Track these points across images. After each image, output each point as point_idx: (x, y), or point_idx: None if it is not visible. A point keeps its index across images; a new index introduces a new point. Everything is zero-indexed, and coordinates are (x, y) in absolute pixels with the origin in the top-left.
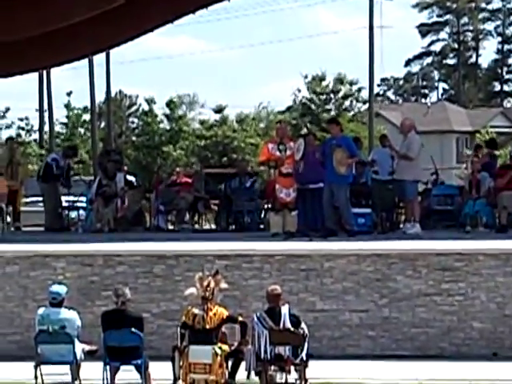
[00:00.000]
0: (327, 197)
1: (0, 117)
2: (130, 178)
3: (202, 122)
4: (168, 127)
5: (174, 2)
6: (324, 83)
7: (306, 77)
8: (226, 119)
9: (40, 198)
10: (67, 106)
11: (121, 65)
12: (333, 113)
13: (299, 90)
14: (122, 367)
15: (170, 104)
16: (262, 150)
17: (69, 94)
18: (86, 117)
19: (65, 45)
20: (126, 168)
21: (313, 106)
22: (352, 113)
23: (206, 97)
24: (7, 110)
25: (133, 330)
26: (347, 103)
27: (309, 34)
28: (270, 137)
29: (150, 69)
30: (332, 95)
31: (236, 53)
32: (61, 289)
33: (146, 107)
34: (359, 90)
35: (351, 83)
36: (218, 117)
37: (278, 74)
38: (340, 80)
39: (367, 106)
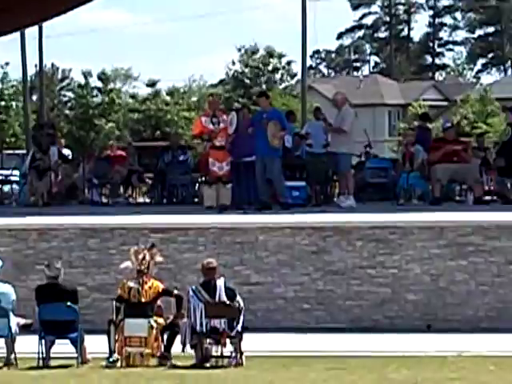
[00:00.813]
0: (260, 170)
1: None
2: (66, 151)
3: (133, 96)
4: (100, 100)
5: None
6: (255, 57)
7: (239, 50)
8: (158, 93)
9: None
10: (3, 79)
11: (53, 38)
12: (264, 86)
13: (234, 63)
14: (58, 341)
15: (102, 77)
16: (195, 124)
17: (4, 65)
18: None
19: None
20: (62, 142)
21: (245, 80)
22: (283, 86)
23: (139, 70)
24: None
25: (68, 303)
26: (278, 76)
27: (241, 7)
28: (202, 110)
29: (84, 43)
30: (263, 68)
31: (169, 26)
32: None
33: (79, 80)
34: (289, 63)
35: (280, 56)
36: (150, 90)
37: (211, 48)
38: (270, 53)
39: (298, 79)
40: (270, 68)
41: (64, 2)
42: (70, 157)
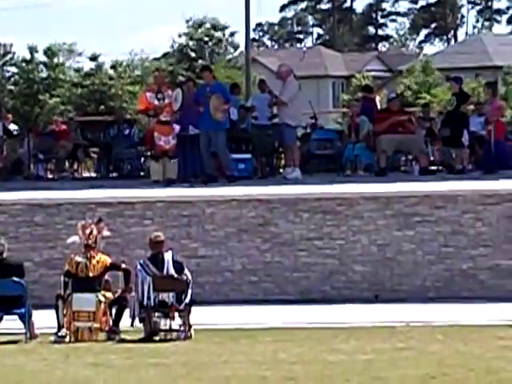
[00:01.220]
0: (204, 143)
1: None
2: (13, 126)
3: (77, 70)
4: (45, 75)
5: None
6: (200, 29)
7: (188, 21)
8: (101, 67)
9: None
10: None
11: None
12: (208, 59)
13: (180, 36)
14: (6, 317)
15: (48, 51)
16: (140, 99)
17: None
18: None
19: None
20: (9, 117)
21: (189, 53)
22: (227, 58)
23: (83, 45)
24: None
25: (14, 279)
26: (222, 49)
27: None
28: (146, 84)
29: (26, 17)
30: (208, 41)
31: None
32: None
33: (24, 55)
34: (232, 34)
35: (224, 28)
36: (93, 65)
37: (154, 21)
38: (214, 26)
39: (242, 51)
40: (214, 41)
41: None
42: (17, 132)
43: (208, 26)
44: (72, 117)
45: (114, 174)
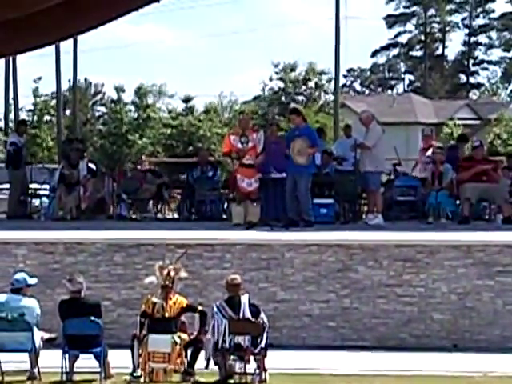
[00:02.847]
0: (290, 187)
1: None
2: (92, 165)
3: (169, 111)
4: (135, 115)
5: None
6: (295, 73)
7: (276, 66)
8: (192, 109)
9: (3, 186)
10: (35, 93)
11: (87, 53)
12: (302, 103)
13: (271, 79)
14: (81, 355)
15: (138, 92)
16: (225, 142)
17: (37, 80)
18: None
19: (31, 31)
20: (85, 155)
21: (282, 96)
22: (320, 103)
23: (174, 86)
24: None
25: (92, 318)
26: (317, 94)
27: (276, 23)
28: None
29: (117, 57)
30: (303, 85)
31: (205, 41)
32: (22, 277)
33: (112, 95)
34: (329, 80)
35: (321, 73)
36: (184, 106)
37: (246, 64)
38: (310, 70)
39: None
40: (307, 85)
41: (98, 16)
42: (96, 171)
43: (300, 70)
44: (161, 158)
45: (196, 216)
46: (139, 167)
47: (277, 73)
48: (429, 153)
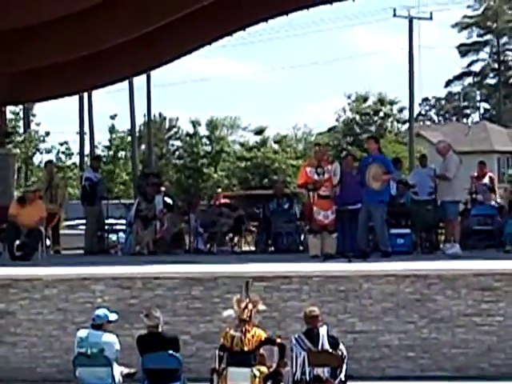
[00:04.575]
0: (363, 217)
1: (40, 141)
2: (168, 200)
3: (242, 144)
4: (209, 149)
5: (211, 25)
6: (366, 104)
7: (349, 97)
8: (266, 141)
9: (80, 221)
10: (111, 130)
11: (160, 87)
12: (374, 133)
13: (345, 110)
14: None
15: (210, 125)
16: (300, 173)
17: (113, 117)
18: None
19: (104, 67)
20: (163, 189)
21: (355, 127)
22: (393, 133)
23: (246, 119)
24: (47, 134)
25: (170, 352)
26: (388, 124)
27: (349, 54)
28: (309, 158)
29: (190, 91)
30: (373, 115)
31: (277, 74)
32: (103, 312)
33: (187, 129)
34: (401, 110)
35: (392, 103)
36: (258, 138)
37: (319, 96)
38: (381, 100)
39: (408, 126)
40: (381, 115)
41: (171, 51)
42: (172, 205)
43: (374, 100)
44: (237, 191)
45: (273, 248)
46: (216, 202)
47: (349, 104)
48: (485, 180)
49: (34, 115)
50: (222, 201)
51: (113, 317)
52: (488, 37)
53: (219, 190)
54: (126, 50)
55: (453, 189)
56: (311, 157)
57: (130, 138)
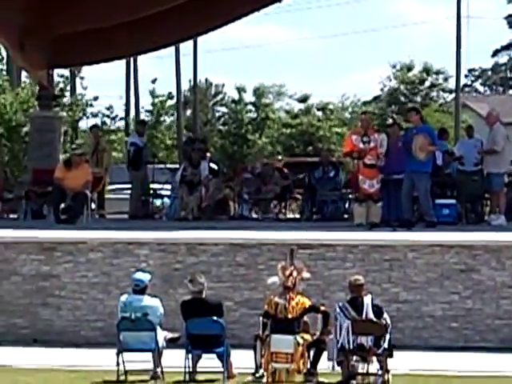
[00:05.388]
0: (407, 187)
1: (88, 105)
2: (213, 165)
3: (287, 112)
4: (254, 116)
5: None
6: (411, 73)
7: (394, 66)
8: (310, 108)
9: (125, 186)
10: (152, 93)
11: (206, 53)
12: (419, 103)
13: (390, 79)
14: (204, 355)
15: (256, 92)
16: (346, 142)
17: (153, 81)
18: (170, 103)
19: (152, 32)
20: (208, 155)
21: (400, 96)
22: (438, 103)
23: (292, 86)
24: (96, 98)
25: (214, 318)
26: (434, 93)
27: (395, 24)
28: (354, 126)
29: (236, 58)
30: (419, 85)
31: (322, 42)
32: (144, 276)
33: (233, 95)
34: (446, 79)
35: (438, 73)
36: (302, 106)
37: (364, 65)
38: (427, 70)
39: (454, 96)
40: (426, 84)
41: (218, 17)
42: (217, 171)
43: (419, 69)
44: (281, 158)
45: (318, 216)
46: (260, 167)
47: (394, 73)
48: None
49: (82, 78)
50: (278, 165)
51: (148, 277)
52: None
53: (264, 159)
54: (174, 15)
55: (499, 160)
56: (357, 125)
57: (170, 103)
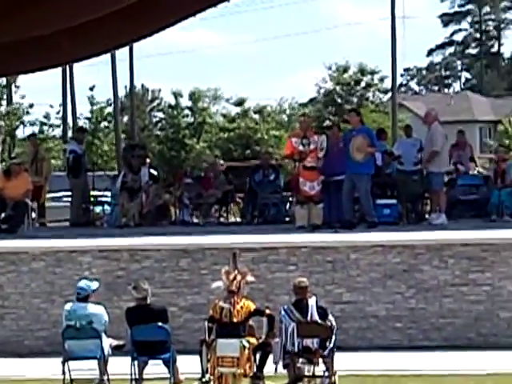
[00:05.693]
0: (347, 188)
1: (24, 113)
2: (153, 171)
3: (224, 115)
4: (191, 120)
5: None
6: (347, 74)
7: (329, 68)
8: (247, 112)
9: (64, 193)
10: (91, 100)
11: (142, 59)
12: (356, 103)
13: (325, 81)
14: (150, 361)
15: (192, 96)
16: (286, 144)
17: (91, 88)
18: (109, 110)
19: (88, 39)
20: (148, 161)
21: (336, 98)
22: (375, 103)
23: (227, 90)
24: (31, 106)
25: (159, 324)
26: (370, 94)
27: (329, 25)
28: (292, 129)
29: (172, 63)
30: (355, 86)
31: (257, 45)
32: (85, 284)
33: (169, 101)
34: (381, 79)
35: (373, 73)
36: (238, 110)
37: (300, 67)
38: (362, 70)
39: (389, 96)
40: (362, 85)
41: (153, 23)
42: (157, 177)
43: (355, 70)
44: (222, 163)
45: (259, 219)
46: (202, 173)
47: (329, 75)
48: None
49: (17, 87)
50: (211, 174)
51: (95, 285)
52: (470, 6)
53: (204, 163)
54: (109, 23)
55: (439, 160)
56: (296, 127)
57: (109, 110)
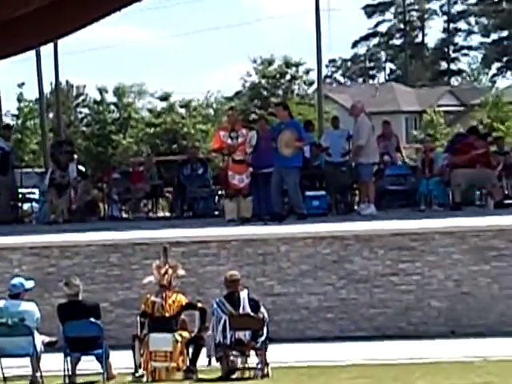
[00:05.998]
0: (276, 181)
1: None
2: (81, 167)
3: (150, 110)
4: (117, 116)
5: None
6: (272, 67)
7: (254, 61)
8: (172, 106)
9: None
10: (19, 98)
11: (66, 55)
12: (281, 96)
13: (250, 75)
14: (83, 358)
15: (117, 92)
16: (214, 138)
17: (20, 85)
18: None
19: (11, 37)
20: (76, 157)
21: (262, 91)
22: (300, 95)
23: (153, 85)
24: None
25: (92, 320)
26: (295, 86)
27: (251, 19)
28: (219, 123)
29: (96, 59)
30: (280, 78)
31: (182, 40)
32: (18, 281)
33: (95, 96)
34: (307, 72)
35: (297, 65)
36: (164, 104)
37: (225, 61)
38: (287, 63)
39: (315, 87)
40: (287, 77)
41: (77, 19)
42: (85, 173)
43: (280, 63)
44: (149, 157)
45: (189, 214)
46: (130, 168)
47: (254, 68)
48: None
49: None
50: (139, 169)
51: (29, 284)
52: None
53: (131, 158)
54: (34, 19)
55: (367, 151)
56: (224, 121)
57: (37, 106)
